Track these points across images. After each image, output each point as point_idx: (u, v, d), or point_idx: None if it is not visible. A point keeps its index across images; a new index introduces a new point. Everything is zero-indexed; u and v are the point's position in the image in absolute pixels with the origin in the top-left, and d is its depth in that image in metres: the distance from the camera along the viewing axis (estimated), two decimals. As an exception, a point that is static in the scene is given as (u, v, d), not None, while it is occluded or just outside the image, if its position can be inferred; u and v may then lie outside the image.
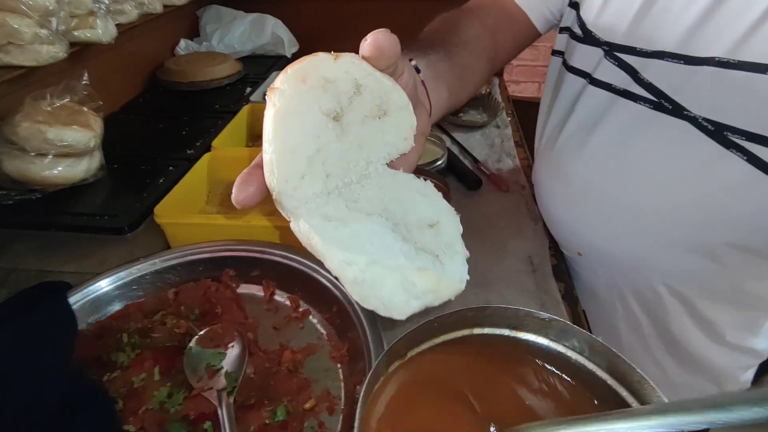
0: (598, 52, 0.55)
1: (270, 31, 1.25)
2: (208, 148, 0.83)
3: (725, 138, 0.44)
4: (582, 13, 0.58)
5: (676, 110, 0.48)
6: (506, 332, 0.33)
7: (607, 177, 0.55)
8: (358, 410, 0.26)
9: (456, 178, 0.88)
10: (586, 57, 0.57)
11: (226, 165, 0.83)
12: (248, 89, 1.08)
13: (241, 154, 0.85)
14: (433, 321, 0.31)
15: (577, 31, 0.59)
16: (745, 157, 0.44)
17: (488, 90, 1.19)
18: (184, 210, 0.71)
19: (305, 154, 0.29)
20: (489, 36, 0.61)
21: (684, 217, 0.51)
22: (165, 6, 1.10)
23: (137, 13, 0.97)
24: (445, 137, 0.90)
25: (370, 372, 0.29)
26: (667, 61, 0.48)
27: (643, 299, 0.62)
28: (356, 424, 0.25)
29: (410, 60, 0.46)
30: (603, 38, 0.55)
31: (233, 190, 0.32)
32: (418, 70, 0.46)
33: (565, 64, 0.63)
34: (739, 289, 0.55)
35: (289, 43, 1.29)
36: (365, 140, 0.31)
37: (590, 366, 0.31)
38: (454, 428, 0.27)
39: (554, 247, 0.73)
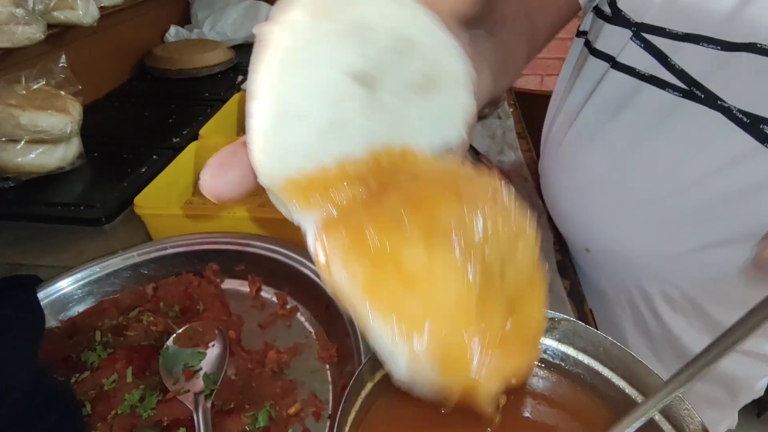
0: (625, 33, 0.51)
1: (264, 18, 1.21)
2: (195, 137, 0.79)
3: (761, 132, 0.41)
4: None
5: (709, 99, 0.44)
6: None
7: (624, 170, 0.51)
8: (337, 422, 0.23)
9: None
10: (611, 38, 0.53)
11: (214, 153, 0.79)
12: (240, 78, 1.04)
13: (230, 142, 0.81)
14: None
15: (606, 9, 0.54)
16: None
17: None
18: (167, 201, 0.67)
19: (315, 126, 0.19)
20: (524, 15, 0.52)
21: (708, 216, 0.47)
22: (153, -10, 1.06)
23: (123, -4, 0.93)
24: None
25: (353, 380, 0.25)
26: (702, 45, 0.44)
27: (652, 301, 0.58)
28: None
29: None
30: (632, 18, 0.50)
31: (204, 175, 0.22)
32: None
33: (588, 45, 0.59)
34: (753, 296, 0.50)
35: (283, 32, 1.25)
36: (400, 120, 0.21)
37: (605, 372, 0.27)
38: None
39: (559, 242, 0.69)
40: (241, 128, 0.92)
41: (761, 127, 0.41)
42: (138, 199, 0.60)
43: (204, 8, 1.23)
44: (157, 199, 0.64)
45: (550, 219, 0.73)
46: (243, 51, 1.19)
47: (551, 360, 0.29)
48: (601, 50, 0.55)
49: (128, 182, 0.68)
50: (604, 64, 0.54)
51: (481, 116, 1.02)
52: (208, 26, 1.19)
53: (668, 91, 0.47)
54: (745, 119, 0.42)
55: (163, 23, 1.17)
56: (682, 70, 0.46)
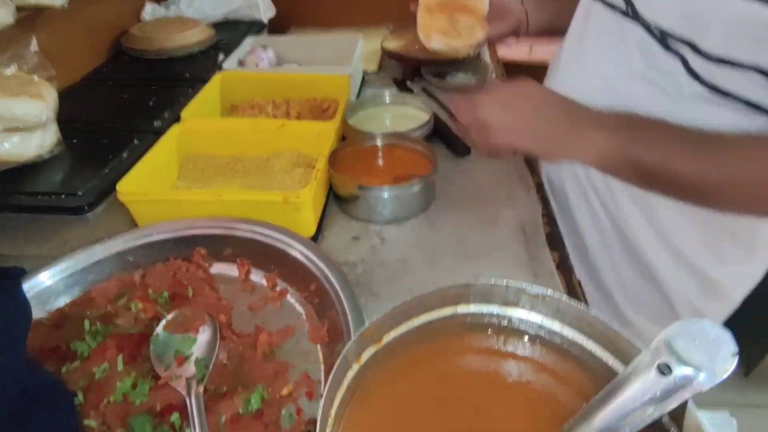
0: None
1: (243, -7, 1.17)
2: (177, 120, 0.77)
3: (666, 43, 0.53)
4: None
5: (636, 17, 0.56)
6: (494, 309, 0.29)
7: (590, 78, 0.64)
8: (322, 402, 0.23)
9: (443, 145, 0.83)
10: None
11: (197, 137, 0.77)
12: (221, 56, 1.01)
13: (215, 125, 0.79)
14: (411, 300, 0.27)
15: None
16: (680, 61, 0.52)
17: (476, 52, 1.12)
18: (151, 187, 0.66)
19: None
20: None
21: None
22: (126, -34, 1.02)
23: (94, -26, 0.89)
24: (431, 102, 0.85)
25: (339, 359, 0.25)
26: None
27: (604, 201, 0.68)
28: (319, 419, 0.22)
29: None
30: None
31: None
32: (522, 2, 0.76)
33: None
34: (705, 212, 0.57)
35: (264, 7, 1.21)
36: None
37: (589, 345, 0.28)
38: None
39: (547, 215, 0.69)
40: (224, 109, 0.90)
41: (665, 38, 0.53)
42: (121, 186, 0.59)
43: (180, -16, 1.19)
44: (141, 184, 0.63)
45: (538, 191, 0.73)
46: (223, 29, 1.15)
47: (538, 334, 0.30)
48: None
49: (110, 168, 0.67)
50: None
51: (468, 89, 1.00)
52: (185, 3, 1.15)
53: (605, 8, 0.60)
54: (657, 33, 0.54)
55: (138, 1, 1.13)
56: None
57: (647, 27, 0.54)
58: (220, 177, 0.76)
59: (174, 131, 0.73)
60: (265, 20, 1.22)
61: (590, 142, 0.50)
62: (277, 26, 1.31)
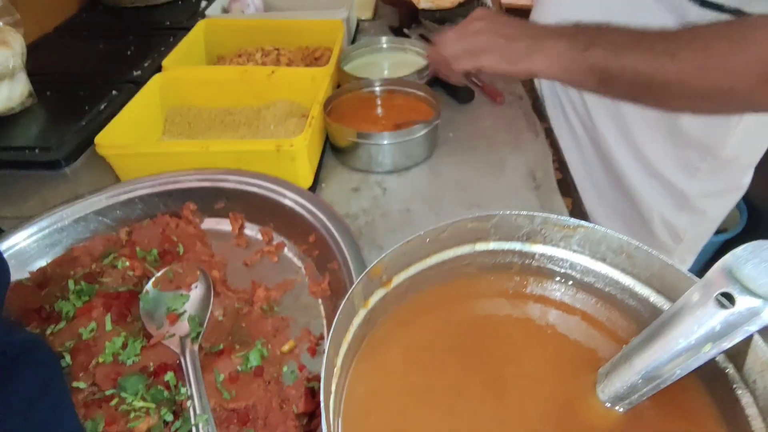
0: None
1: (224, -66, 1.08)
2: (158, 69, 0.71)
3: None
4: None
5: None
6: (517, 246, 0.26)
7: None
8: (325, 351, 0.20)
9: (445, 91, 0.78)
10: None
11: (182, 87, 0.72)
12: (203, 3, 0.94)
13: (200, 74, 0.74)
14: (423, 236, 0.24)
15: None
16: None
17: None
18: (133, 139, 0.61)
19: None
20: None
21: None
22: None
23: None
24: (430, 48, 0.79)
25: (343, 303, 0.22)
26: None
27: (579, 114, 0.72)
28: (323, 370, 0.19)
29: None
30: None
31: None
32: None
33: None
34: (672, 123, 0.62)
35: (248, -50, 1.11)
36: None
37: (627, 281, 0.24)
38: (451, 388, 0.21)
39: (558, 160, 0.65)
40: (209, 57, 0.84)
41: None
42: (99, 138, 0.55)
43: (155, -74, 1.09)
44: (122, 137, 0.58)
45: (548, 136, 0.69)
46: (204, -26, 1.07)
47: (568, 272, 0.26)
48: None
49: (86, 121, 0.62)
50: None
51: None
52: (162, -53, 1.06)
53: None
54: None
55: (110, -55, 1.04)
56: None
57: None
58: (209, 131, 0.71)
59: (156, 81, 0.68)
60: (250, -35, 1.13)
61: (548, 52, 0.54)
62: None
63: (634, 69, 0.50)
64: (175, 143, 0.57)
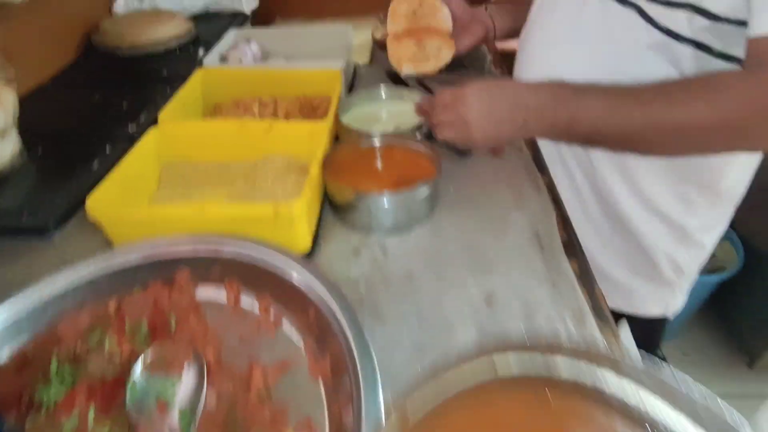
0: None
1: (224, -18, 1.09)
2: (154, 123, 0.70)
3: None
4: None
5: None
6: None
7: (555, 47, 0.70)
8: None
9: (444, 143, 0.78)
10: None
11: (177, 142, 0.70)
12: (201, 51, 0.94)
13: (196, 128, 0.72)
14: (437, 375, 0.22)
15: None
16: (636, 11, 0.59)
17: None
18: (127, 199, 0.59)
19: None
20: None
21: (602, 75, 0.58)
22: (93, -45, 0.94)
23: (56, -36, 0.81)
24: (428, 95, 0.79)
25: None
26: None
27: (578, 157, 0.72)
28: None
29: (485, 8, 0.85)
30: None
31: None
32: (486, 9, 0.84)
33: None
34: (669, 160, 0.65)
35: (246, -3, 1.13)
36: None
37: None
38: None
39: (562, 218, 0.64)
40: (206, 105, 0.83)
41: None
42: (91, 201, 0.53)
43: (155, -27, 1.10)
44: (114, 198, 0.56)
45: (550, 191, 0.68)
46: (202, 21, 1.08)
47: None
48: None
49: (78, 181, 0.60)
50: None
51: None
52: (160, -6, 1.07)
53: None
54: None
55: (109, -7, 1.05)
56: None
57: None
58: (205, 185, 0.69)
59: (151, 136, 0.67)
60: (248, 12, 1.14)
61: (534, 130, 0.59)
62: (260, 18, 1.23)
63: (615, 139, 0.56)
64: (169, 207, 0.55)
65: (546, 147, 0.77)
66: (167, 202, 0.66)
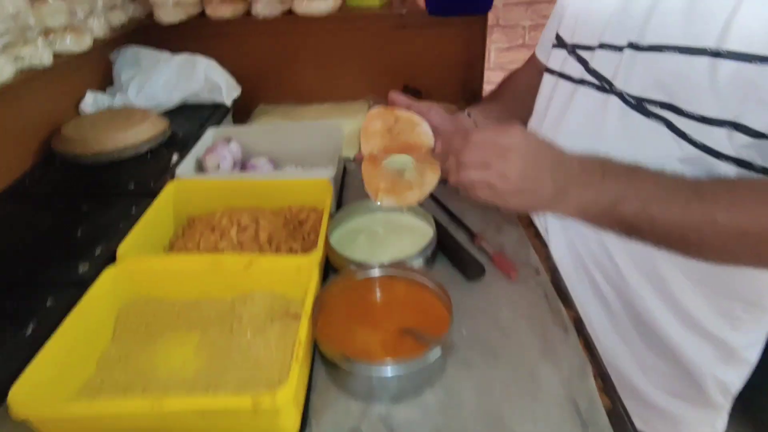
0: (564, 52, 0.66)
1: (202, 75, 1.03)
2: (111, 258, 0.59)
3: (645, 108, 0.54)
4: (558, 27, 0.70)
5: (611, 89, 0.57)
6: None
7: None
8: None
9: (451, 263, 0.69)
10: (557, 58, 0.68)
11: (141, 280, 0.60)
12: (175, 157, 0.85)
13: (163, 265, 0.61)
14: None
15: (554, 41, 0.70)
16: (664, 124, 0.52)
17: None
18: (63, 390, 0.47)
19: None
20: (528, 93, 0.77)
21: None
22: (58, 55, 0.86)
23: (13, 70, 0.73)
24: (429, 215, 0.71)
25: None
26: (605, 50, 0.58)
27: (606, 271, 0.65)
28: None
29: (467, 113, 0.75)
30: (567, 40, 0.66)
31: None
32: (469, 115, 0.75)
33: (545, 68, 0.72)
34: (711, 273, 0.57)
35: (228, 88, 1.07)
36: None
37: None
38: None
39: (595, 363, 0.54)
40: (178, 218, 0.73)
41: (643, 104, 0.54)
42: (14, 393, 0.41)
43: (129, 67, 1.04)
44: (47, 389, 0.44)
45: (578, 328, 0.58)
46: (178, 117, 1.00)
47: None
48: (551, 68, 0.70)
49: (4, 356, 0.48)
50: (554, 78, 0.68)
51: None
52: (134, 90, 1.00)
53: (588, 88, 0.61)
54: (632, 101, 0.55)
55: (76, 90, 0.97)
56: (595, 71, 0.60)
57: (622, 97, 0.56)
58: (170, 332, 0.58)
59: (105, 279, 0.56)
60: (229, 103, 1.08)
61: (573, 202, 0.51)
62: (243, 104, 1.17)
63: (665, 230, 0.49)
64: (115, 403, 0.43)
65: (567, 261, 0.69)
66: (120, 361, 0.54)
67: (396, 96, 0.67)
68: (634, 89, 0.55)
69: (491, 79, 2.11)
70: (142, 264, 0.60)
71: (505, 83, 0.84)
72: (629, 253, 0.61)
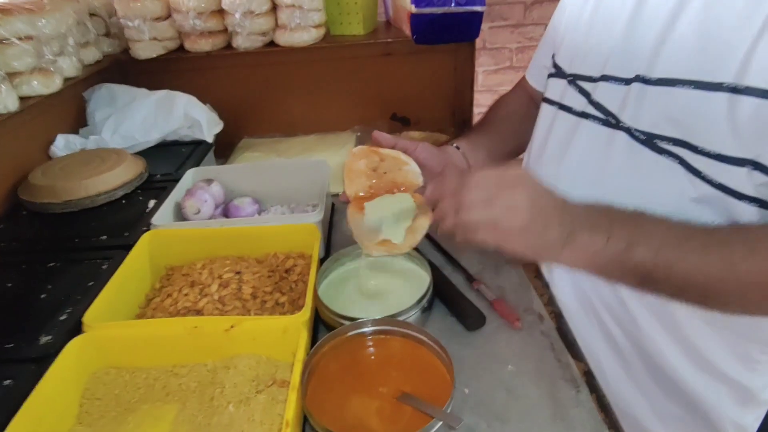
0: (563, 82, 0.63)
1: (182, 111, 0.99)
2: (77, 329, 0.54)
3: (655, 145, 0.50)
4: (555, 56, 0.67)
5: (618, 124, 0.54)
6: None
7: (574, 190, 0.53)
8: None
9: (450, 312, 0.64)
10: (556, 88, 0.65)
11: (111, 349, 0.55)
12: (152, 203, 0.80)
13: (133, 331, 0.56)
14: None
15: (551, 69, 0.67)
16: (677, 161, 0.49)
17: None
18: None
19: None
20: (518, 119, 0.78)
21: None
22: (25, 98, 0.82)
23: (-27, 119, 0.68)
24: (424, 260, 0.66)
25: None
26: (610, 82, 0.55)
27: (617, 315, 0.61)
28: None
29: (455, 146, 0.72)
30: (566, 70, 0.63)
31: None
32: (458, 148, 0.72)
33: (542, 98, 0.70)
34: (728, 318, 0.53)
35: (209, 124, 1.02)
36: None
37: None
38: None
39: (610, 424, 0.50)
40: (155, 268, 0.68)
41: (654, 141, 0.50)
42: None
43: (104, 106, 0.99)
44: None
45: (588, 382, 0.54)
46: (157, 156, 0.95)
47: None
48: (550, 98, 0.67)
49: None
50: (553, 108, 0.65)
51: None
52: (109, 130, 0.95)
53: (592, 121, 0.58)
54: (641, 137, 0.52)
55: (48, 133, 0.92)
56: (599, 103, 0.57)
57: (630, 132, 0.53)
58: (143, 405, 0.53)
59: (70, 351, 0.51)
60: (210, 139, 1.03)
61: (581, 247, 0.47)
62: (226, 138, 1.13)
63: (685, 275, 0.45)
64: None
65: (575, 305, 0.65)
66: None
67: (379, 135, 0.63)
68: (644, 124, 0.51)
69: (480, 102, 2.11)
70: (111, 331, 0.55)
71: (494, 110, 0.81)
72: (641, 296, 0.57)
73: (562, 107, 0.63)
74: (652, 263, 0.45)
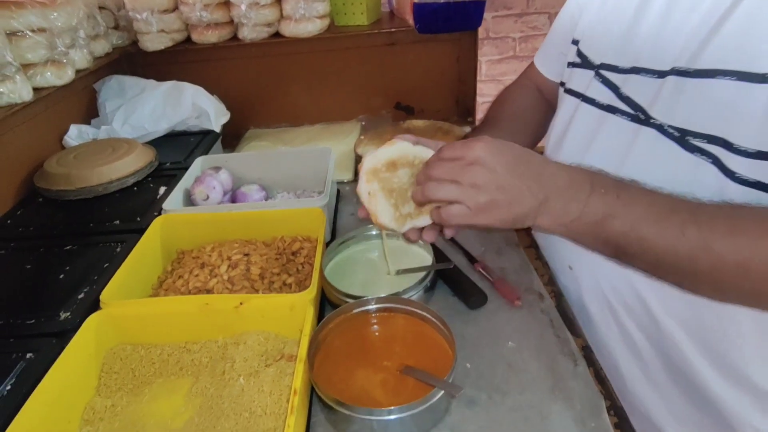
0: (589, 73, 0.60)
1: (190, 101, 1.01)
2: (95, 305, 0.57)
3: (687, 142, 0.48)
4: (580, 45, 0.64)
5: (647, 120, 0.52)
6: None
7: None
8: None
9: (452, 292, 0.66)
10: (580, 79, 0.62)
11: (126, 325, 0.57)
12: (162, 189, 0.82)
13: (148, 308, 0.58)
14: None
15: (575, 59, 0.64)
16: (710, 160, 0.46)
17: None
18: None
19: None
20: (529, 115, 0.76)
21: None
22: (39, 89, 0.84)
23: (-9, 108, 0.70)
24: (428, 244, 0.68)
25: None
26: (642, 75, 0.53)
27: (638, 317, 0.58)
28: None
29: None
30: (594, 60, 0.60)
31: None
32: None
33: (562, 85, 0.67)
34: (756, 316, 0.49)
35: (216, 114, 1.04)
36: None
37: None
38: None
39: (608, 397, 0.51)
40: (167, 252, 0.70)
41: (687, 138, 0.48)
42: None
43: (114, 97, 1.02)
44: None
45: (587, 358, 0.56)
46: (166, 146, 0.98)
47: None
48: (573, 89, 0.64)
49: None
50: (576, 100, 0.62)
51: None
52: (119, 120, 0.97)
53: (619, 116, 0.55)
54: (675, 133, 0.49)
55: (61, 123, 0.94)
56: (629, 97, 0.54)
57: (661, 128, 0.50)
58: (159, 378, 0.55)
59: (89, 327, 0.53)
60: (218, 129, 1.05)
61: (556, 214, 0.46)
62: (233, 129, 1.15)
63: (656, 254, 0.44)
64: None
65: (594, 305, 0.63)
66: (106, 414, 0.51)
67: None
68: (678, 120, 0.48)
69: (484, 92, 2.11)
70: (127, 309, 0.57)
71: (501, 105, 0.78)
72: (663, 296, 0.54)
73: (586, 99, 0.61)
74: (625, 237, 0.44)
